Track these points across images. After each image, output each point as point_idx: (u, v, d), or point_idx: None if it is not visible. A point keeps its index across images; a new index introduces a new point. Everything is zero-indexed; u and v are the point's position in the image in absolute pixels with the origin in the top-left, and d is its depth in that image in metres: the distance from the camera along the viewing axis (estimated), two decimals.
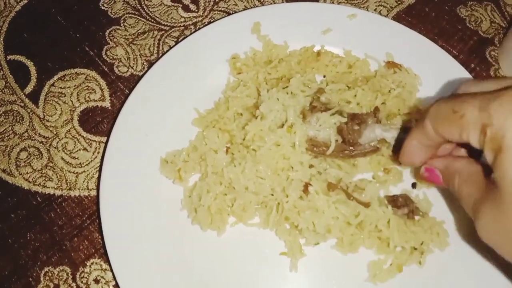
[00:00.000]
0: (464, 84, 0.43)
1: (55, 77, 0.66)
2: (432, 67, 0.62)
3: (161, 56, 0.62)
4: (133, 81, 0.66)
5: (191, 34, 0.65)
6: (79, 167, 0.59)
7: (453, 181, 0.43)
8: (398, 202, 0.51)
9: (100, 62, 0.67)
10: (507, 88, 0.36)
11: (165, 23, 0.71)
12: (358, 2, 0.72)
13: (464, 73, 0.61)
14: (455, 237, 0.52)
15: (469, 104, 0.37)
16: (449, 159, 0.44)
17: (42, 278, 0.53)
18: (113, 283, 0.53)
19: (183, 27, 0.71)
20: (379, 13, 0.71)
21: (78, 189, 0.58)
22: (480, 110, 0.36)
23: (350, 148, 0.52)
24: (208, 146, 0.56)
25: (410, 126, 0.56)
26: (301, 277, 0.51)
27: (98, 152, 0.60)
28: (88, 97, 0.65)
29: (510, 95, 0.35)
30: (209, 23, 0.66)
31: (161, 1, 0.73)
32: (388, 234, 0.49)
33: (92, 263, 0.54)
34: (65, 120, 0.63)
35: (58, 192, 0.58)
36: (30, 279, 0.53)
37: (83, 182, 0.58)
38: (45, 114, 0.63)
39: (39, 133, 0.62)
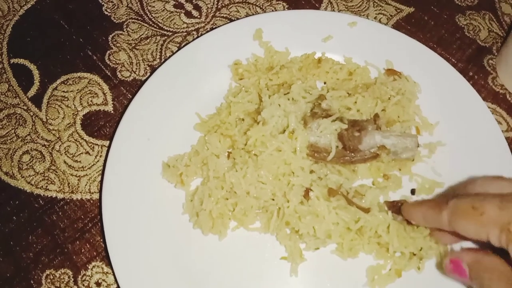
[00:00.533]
0: (481, 180, 0.45)
1: (58, 81, 0.67)
2: (431, 75, 0.63)
3: (164, 61, 0.63)
4: (135, 86, 0.66)
5: (193, 40, 0.66)
6: (81, 170, 0.60)
7: (482, 279, 0.41)
8: (398, 208, 0.51)
9: (103, 66, 0.68)
10: None
11: (168, 29, 0.72)
12: (359, 10, 0.73)
13: (462, 81, 0.62)
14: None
15: (489, 203, 0.38)
16: (479, 253, 0.43)
17: (43, 281, 0.53)
18: (115, 286, 0.53)
19: (185, 33, 0.71)
20: (379, 21, 0.72)
21: (80, 192, 0.58)
22: (501, 209, 0.37)
23: (351, 154, 0.53)
24: (210, 151, 0.56)
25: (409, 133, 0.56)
26: (301, 282, 0.52)
27: (101, 156, 0.61)
28: (91, 101, 0.65)
29: None
30: (212, 29, 0.67)
31: (164, 7, 0.74)
32: (388, 239, 0.49)
33: (93, 266, 0.54)
34: (68, 124, 0.63)
35: (60, 195, 0.58)
36: (32, 282, 0.53)
37: (85, 185, 0.59)
38: (48, 117, 0.64)
39: (41, 137, 0.62)
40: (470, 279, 0.43)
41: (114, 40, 0.70)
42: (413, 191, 0.56)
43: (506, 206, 0.37)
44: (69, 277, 0.53)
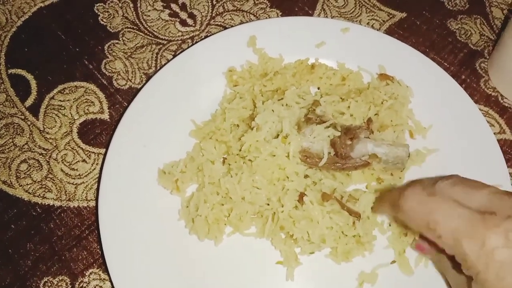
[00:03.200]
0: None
1: (55, 90, 0.67)
2: (423, 79, 0.63)
3: (159, 69, 0.64)
4: (131, 94, 0.67)
5: (188, 47, 0.67)
6: (78, 178, 0.60)
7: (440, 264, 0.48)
8: None
9: (99, 75, 0.69)
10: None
11: (163, 37, 0.72)
12: (351, 16, 0.74)
13: (454, 85, 0.62)
14: None
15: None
16: None
17: None
18: None
19: (180, 41, 0.72)
20: (372, 26, 0.73)
21: (77, 200, 0.59)
22: None
23: (342, 161, 0.53)
24: (205, 157, 0.57)
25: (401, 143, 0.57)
26: (297, 286, 0.52)
27: (97, 164, 0.62)
28: (87, 109, 0.66)
29: None
30: (206, 37, 0.68)
31: (159, 16, 0.75)
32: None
33: (91, 273, 0.54)
34: (65, 132, 0.64)
35: (57, 203, 0.59)
36: None
37: (82, 193, 0.59)
38: (45, 126, 0.65)
39: (39, 145, 0.63)
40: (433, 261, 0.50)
41: (110, 49, 0.71)
42: None
43: None
44: (66, 284, 0.54)
